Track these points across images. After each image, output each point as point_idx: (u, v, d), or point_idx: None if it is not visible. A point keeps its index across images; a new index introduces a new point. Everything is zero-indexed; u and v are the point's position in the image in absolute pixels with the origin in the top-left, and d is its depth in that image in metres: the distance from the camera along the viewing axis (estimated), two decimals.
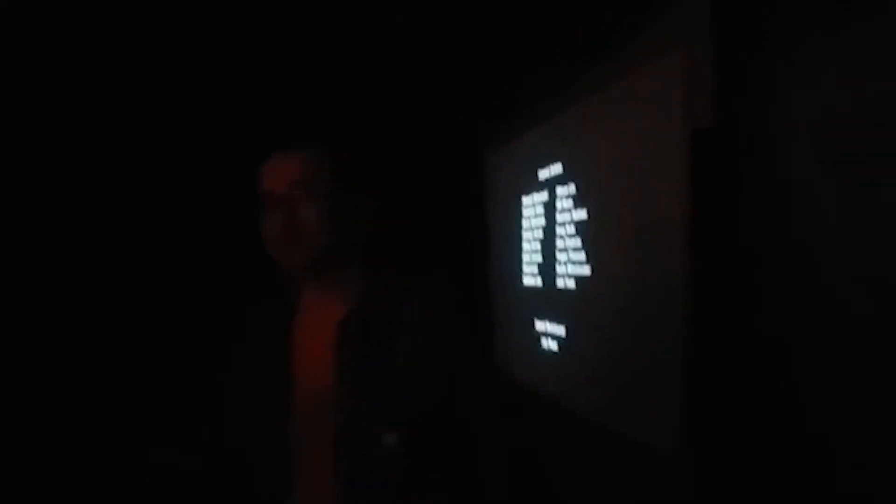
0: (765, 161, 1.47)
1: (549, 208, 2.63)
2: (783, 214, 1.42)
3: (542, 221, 2.72)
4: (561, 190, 2.52)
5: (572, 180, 2.43)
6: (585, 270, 2.30)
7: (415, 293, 1.05)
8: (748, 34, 1.50)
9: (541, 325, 2.76)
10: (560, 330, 2.56)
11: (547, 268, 2.66)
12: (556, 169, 2.58)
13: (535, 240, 2.80)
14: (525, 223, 2.92)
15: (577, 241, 2.36)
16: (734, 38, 1.54)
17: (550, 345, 2.67)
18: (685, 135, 1.69)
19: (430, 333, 1.00)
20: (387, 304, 1.03)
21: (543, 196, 2.70)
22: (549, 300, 2.66)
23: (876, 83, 1.18)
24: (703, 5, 1.62)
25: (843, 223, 1.27)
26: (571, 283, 2.43)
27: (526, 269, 2.92)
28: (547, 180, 2.66)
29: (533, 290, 2.84)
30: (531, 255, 2.85)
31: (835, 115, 1.28)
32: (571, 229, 2.41)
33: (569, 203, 2.44)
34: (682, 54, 1.71)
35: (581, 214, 2.33)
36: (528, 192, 2.89)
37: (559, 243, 2.53)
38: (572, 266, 2.41)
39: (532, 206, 2.83)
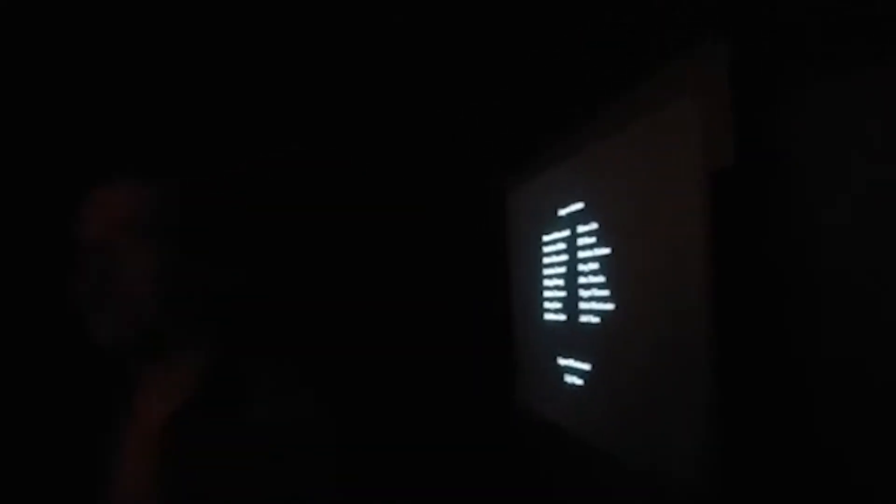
0: (783, 197, 1.53)
1: (571, 245, 2.70)
2: (804, 248, 1.47)
3: (564, 258, 2.78)
4: (582, 227, 2.59)
5: (594, 218, 2.50)
6: (609, 306, 2.35)
7: (268, 390, 0.78)
8: (765, 74, 1.58)
9: (564, 361, 2.79)
10: (584, 364, 2.59)
11: (570, 304, 2.71)
12: (577, 207, 2.66)
13: (557, 276, 2.85)
14: (547, 260, 2.98)
15: (601, 278, 2.41)
16: (751, 78, 1.61)
17: (574, 379, 2.69)
18: (705, 172, 1.76)
19: (279, 447, 0.73)
20: (228, 404, 0.76)
21: (565, 233, 2.77)
22: (573, 336, 2.69)
23: (892, 120, 1.25)
24: (720, 47, 1.70)
25: (868, 257, 1.31)
26: (595, 319, 2.47)
27: (548, 305, 2.97)
28: (568, 217, 2.73)
29: (556, 326, 2.88)
30: (554, 291, 2.90)
31: (854, 152, 1.34)
32: (594, 266, 2.47)
33: (591, 240, 2.51)
34: (700, 94, 1.79)
35: (604, 251, 2.39)
36: (548, 231, 2.96)
37: (582, 280, 2.59)
38: (596, 302, 2.46)
39: (553, 243, 2.90)
